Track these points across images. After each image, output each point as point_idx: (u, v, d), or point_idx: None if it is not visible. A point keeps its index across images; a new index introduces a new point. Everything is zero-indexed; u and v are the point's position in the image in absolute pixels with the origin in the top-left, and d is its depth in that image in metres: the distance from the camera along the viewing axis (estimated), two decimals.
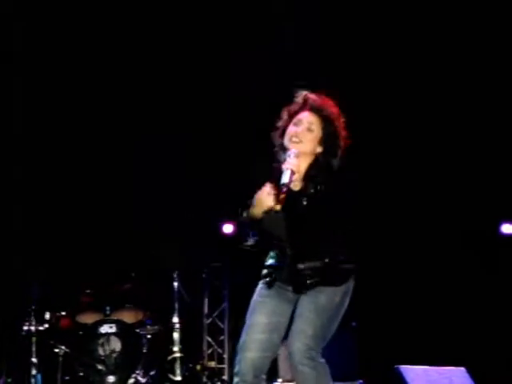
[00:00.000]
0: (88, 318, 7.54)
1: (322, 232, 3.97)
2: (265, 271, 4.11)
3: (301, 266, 3.96)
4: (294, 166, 3.91)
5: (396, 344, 8.01)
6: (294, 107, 4.17)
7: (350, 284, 4.08)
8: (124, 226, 8.53)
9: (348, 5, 7.93)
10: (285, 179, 3.87)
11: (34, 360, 7.07)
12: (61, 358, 7.15)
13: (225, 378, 8.71)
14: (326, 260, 3.96)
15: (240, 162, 8.18)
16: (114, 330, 7.32)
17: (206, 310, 9.00)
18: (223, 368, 8.89)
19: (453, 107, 8.28)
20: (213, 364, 8.90)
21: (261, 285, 4.12)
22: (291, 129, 4.08)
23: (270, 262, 4.11)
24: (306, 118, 4.08)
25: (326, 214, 3.93)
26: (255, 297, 4.10)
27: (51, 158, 8.47)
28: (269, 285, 4.07)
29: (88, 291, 7.70)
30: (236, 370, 4.01)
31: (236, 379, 3.99)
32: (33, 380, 7.09)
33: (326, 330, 3.96)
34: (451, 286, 8.34)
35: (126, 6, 7.93)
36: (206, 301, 8.99)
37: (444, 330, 8.14)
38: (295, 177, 3.92)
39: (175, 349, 7.83)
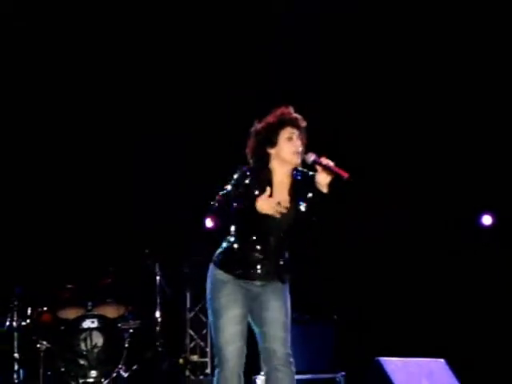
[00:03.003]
0: (69, 314, 7.53)
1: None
2: (231, 262, 4.35)
3: (280, 260, 4.36)
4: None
5: (376, 336, 8.07)
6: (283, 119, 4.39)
7: None
8: (105, 220, 8.52)
9: (347, 7, 7.96)
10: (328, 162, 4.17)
11: (16, 355, 7.09)
12: (43, 354, 7.16)
13: (207, 371, 8.73)
14: (288, 257, 4.41)
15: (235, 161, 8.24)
16: (95, 324, 7.33)
17: (188, 303, 9.00)
18: (206, 361, 8.89)
19: (432, 102, 8.33)
20: (195, 358, 8.91)
21: (225, 275, 4.35)
22: (292, 144, 4.33)
23: (242, 253, 4.34)
24: (297, 135, 4.37)
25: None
26: (222, 289, 4.33)
27: (45, 156, 8.49)
28: (244, 278, 4.32)
29: (69, 286, 7.69)
30: (227, 361, 4.25)
31: (228, 370, 4.25)
32: (15, 375, 7.10)
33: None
34: (431, 278, 8.39)
35: (126, 6, 7.93)
36: (189, 295, 8.98)
37: (424, 321, 8.19)
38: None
39: (157, 343, 7.85)
